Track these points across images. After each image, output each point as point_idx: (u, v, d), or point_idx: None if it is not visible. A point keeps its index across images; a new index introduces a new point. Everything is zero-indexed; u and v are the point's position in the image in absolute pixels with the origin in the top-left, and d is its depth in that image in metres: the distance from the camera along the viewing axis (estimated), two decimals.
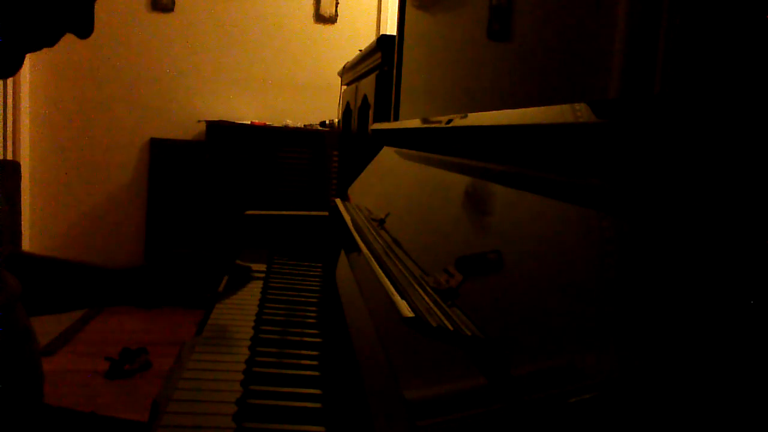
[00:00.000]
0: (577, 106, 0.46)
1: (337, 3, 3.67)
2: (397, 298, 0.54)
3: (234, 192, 3.35)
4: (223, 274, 1.03)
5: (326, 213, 1.34)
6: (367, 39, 2.78)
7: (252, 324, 0.84)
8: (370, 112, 1.84)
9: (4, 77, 0.67)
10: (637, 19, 0.44)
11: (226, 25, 3.60)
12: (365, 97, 1.95)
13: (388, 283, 0.59)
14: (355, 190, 1.27)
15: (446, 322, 0.48)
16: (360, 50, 2.19)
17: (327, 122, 3.49)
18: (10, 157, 3.31)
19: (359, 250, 0.82)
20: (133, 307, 0.95)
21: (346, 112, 2.43)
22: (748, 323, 0.26)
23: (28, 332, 0.77)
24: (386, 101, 1.48)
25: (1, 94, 3.22)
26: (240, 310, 0.91)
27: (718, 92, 0.34)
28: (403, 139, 1.17)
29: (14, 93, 3.30)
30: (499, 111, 0.63)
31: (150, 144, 3.59)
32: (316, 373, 0.69)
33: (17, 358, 0.74)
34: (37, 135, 3.48)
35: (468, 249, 0.60)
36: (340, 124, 2.63)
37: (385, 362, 0.55)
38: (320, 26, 3.69)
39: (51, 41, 0.67)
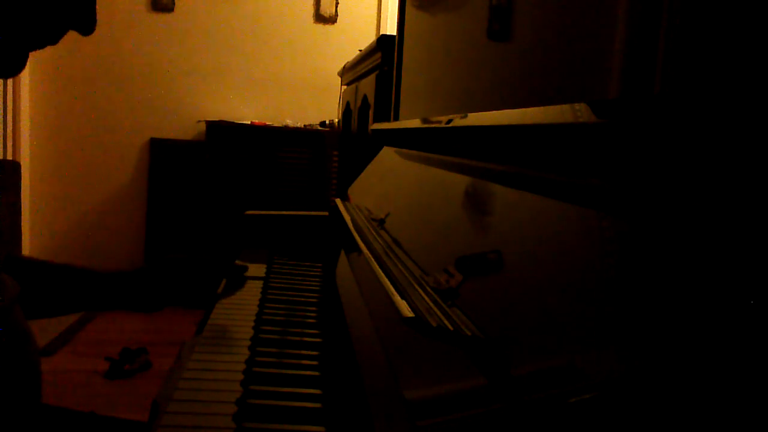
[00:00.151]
0: (577, 106, 0.46)
1: (337, 3, 3.67)
2: (397, 298, 0.54)
3: (234, 192, 3.35)
4: (223, 274, 1.03)
5: (326, 213, 1.34)
6: (367, 39, 2.78)
7: (252, 324, 0.84)
8: (370, 112, 1.84)
9: (9, 76, 0.67)
10: (637, 19, 0.44)
11: (226, 25, 3.60)
12: (365, 97, 1.95)
13: (388, 283, 0.59)
14: (355, 190, 1.27)
15: (446, 322, 0.48)
16: (360, 50, 2.19)
17: (327, 122, 3.49)
18: (10, 157, 3.31)
19: (359, 250, 0.82)
20: (132, 312, 0.95)
21: (346, 112, 2.43)
22: (748, 323, 0.26)
23: (26, 334, 0.77)
24: (386, 101, 1.48)
25: (1, 94, 3.22)
26: (240, 310, 0.91)
27: (718, 92, 0.34)
28: (403, 139, 1.17)
29: (14, 93, 3.30)
30: (499, 111, 0.63)
31: (150, 144, 3.59)
32: (316, 373, 0.69)
33: (15, 359, 0.74)
34: (37, 135, 3.48)
35: (468, 249, 0.60)
36: (340, 124, 2.63)
37: (385, 362, 0.55)
38: (320, 26, 3.69)
39: (54, 38, 0.67)
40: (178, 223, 3.55)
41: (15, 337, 0.74)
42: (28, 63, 0.66)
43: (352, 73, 2.33)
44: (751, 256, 0.28)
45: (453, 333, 0.46)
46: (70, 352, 2.59)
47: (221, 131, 3.39)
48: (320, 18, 3.68)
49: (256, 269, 1.11)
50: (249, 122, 3.50)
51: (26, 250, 3.42)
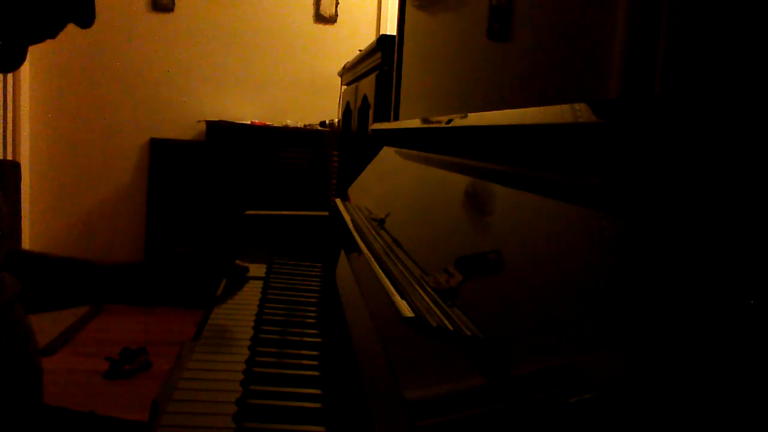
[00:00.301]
0: (577, 106, 0.46)
1: (337, 3, 3.67)
2: (397, 298, 0.54)
3: (234, 192, 3.35)
4: (224, 273, 1.03)
5: (326, 213, 1.34)
6: (367, 39, 2.78)
7: (252, 324, 0.84)
8: (370, 112, 1.84)
9: (8, 71, 0.67)
10: (637, 19, 0.44)
11: (226, 25, 3.60)
12: (365, 97, 1.95)
13: (388, 283, 0.59)
14: (355, 190, 1.27)
15: (446, 322, 0.48)
16: (360, 50, 2.19)
17: (327, 122, 3.49)
18: (10, 157, 3.31)
19: (359, 250, 0.82)
20: (133, 305, 0.94)
21: (346, 112, 2.43)
22: (749, 323, 0.26)
23: (26, 332, 0.77)
24: (386, 101, 1.48)
25: (1, 93, 3.22)
26: (240, 310, 0.91)
27: (718, 92, 0.34)
28: (403, 139, 1.17)
29: (14, 93, 3.30)
30: (499, 111, 0.63)
31: (150, 144, 3.59)
32: (316, 373, 0.69)
33: (16, 358, 0.74)
34: (37, 135, 3.48)
35: (468, 249, 0.60)
36: (340, 124, 2.63)
37: (385, 362, 0.55)
38: (320, 26, 3.69)
39: (53, 32, 0.67)
40: (178, 223, 3.55)
41: (15, 335, 0.74)
42: (28, 62, 0.66)
43: (352, 73, 2.33)
44: (751, 256, 0.28)
45: (453, 333, 0.46)
46: (70, 351, 2.59)
47: (221, 131, 3.39)
48: (320, 18, 3.68)
49: (256, 269, 1.11)
50: (249, 122, 3.51)
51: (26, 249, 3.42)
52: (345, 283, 0.87)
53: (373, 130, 1.50)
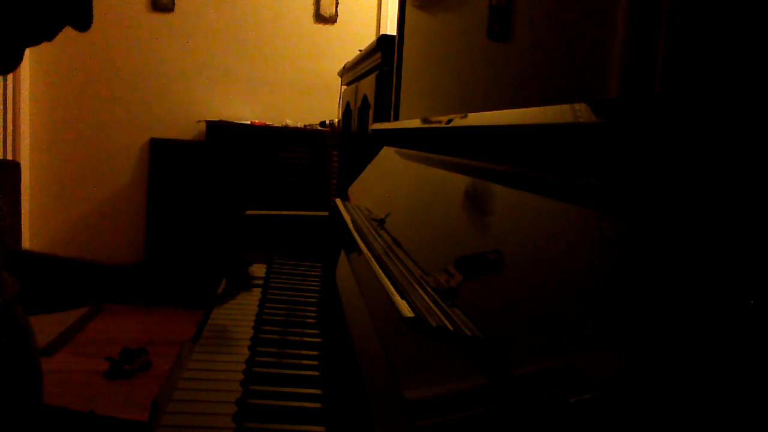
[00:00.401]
0: (577, 106, 0.46)
1: (337, 3, 3.67)
2: (397, 298, 0.54)
3: (234, 192, 3.35)
4: (227, 267, 1.03)
5: (326, 213, 1.34)
6: (367, 39, 2.78)
7: (252, 324, 0.84)
8: (370, 112, 1.84)
9: (5, 72, 0.67)
10: (637, 19, 0.44)
11: (226, 25, 3.60)
12: (365, 97, 1.95)
13: (388, 283, 0.59)
14: (355, 190, 1.27)
15: (446, 322, 0.48)
16: (360, 50, 2.19)
17: (327, 122, 3.49)
18: (10, 157, 3.31)
19: (359, 250, 0.82)
20: (133, 305, 0.94)
21: (346, 112, 2.43)
22: (748, 323, 0.26)
23: (26, 332, 0.77)
24: (386, 101, 1.48)
25: (1, 93, 3.22)
26: (240, 310, 0.91)
27: (718, 92, 0.34)
28: (403, 139, 1.17)
29: (14, 93, 3.30)
30: (499, 111, 0.63)
31: (150, 144, 3.59)
32: (316, 373, 0.69)
33: (16, 358, 0.74)
34: (37, 135, 3.48)
35: (468, 249, 0.60)
36: (340, 124, 2.63)
37: (385, 362, 0.55)
38: (320, 26, 3.69)
39: (50, 35, 0.67)
40: (178, 223, 3.55)
41: (15, 336, 0.74)
42: (28, 63, 0.67)
43: (352, 73, 2.33)
44: (751, 255, 0.28)
45: (453, 333, 0.46)
46: (70, 352, 2.58)
47: (221, 131, 3.39)
48: (320, 18, 3.68)
49: (256, 269, 1.11)
50: (249, 122, 3.51)
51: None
52: (345, 283, 0.87)
53: (373, 130, 1.50)
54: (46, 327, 2.58)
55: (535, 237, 0.49)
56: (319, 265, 1.20)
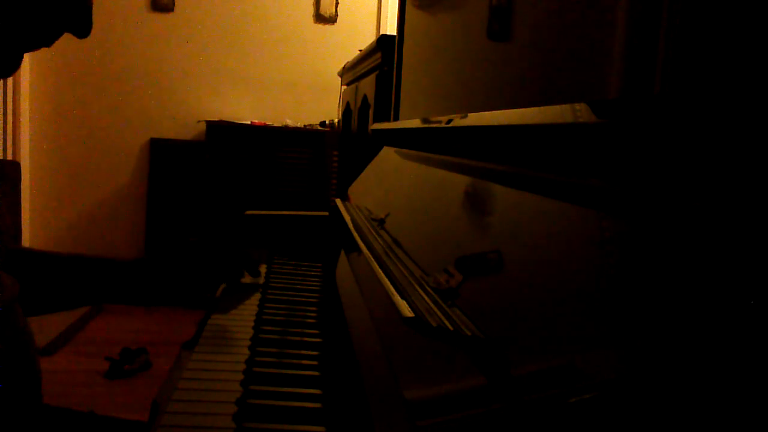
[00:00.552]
0: (577, 106, 0.46)
1: (337, 3, 3.67)
2: (397, 298, 0.54)
3: (234, 192, 3.35)
4: (226, 269, 1.03)
5: (326, 213, 1.34)
6: (367, 39, 2.78)
7: (252, 324, 0.84)
8: (370, 112, 1.84)
9: (3, 77, 0.67)
10: (637, 19, 0.44)
11: (226, 25, 3.60)
12: (365, 97, 1.95)
13: (388, 283, 0.59)
14: (355, 190, 1.27)
15: (446, 322, 0.48)
16: (360, 50, 2.19)
17: (327, 122, 3.49)
18: (10, 157, 3.31)
19: (359, 250, 0.82)
20: (133, 305, 0.94)
21: (346, 112, 2.43)
22: (748, 323, 0.26)
23: (25, 333, 0.77)
24: (386, 101, 1.48)
25: (1, 94, 3.22)
26: (240, 310, 0.91)
27: (718, 92, 0.34)
28: (403, 139, 1.17)
29: (14, 93, 3.30)
30: (499, 111, 0.63)
31: (150, 144, 3.59)
32: (316, 373, 0.69)
33: (15, 359, 0.74)
34: (37, 135, 3.48)
35: (468, 249, 0.60)
36: (340, 124, 2.63)
37: (385, 362, 0.55)
38: (320, 26, 3.69)
39: (49, 41, 0.67)
40: (178, 223, 3.55)
41: (14, 336, 0.74)
42: (28, 63, 0.67)
43: (352, 73, 2.33)
44: (751, 256, 0.28)
45: (453, 333, 0.46)
46: (70, 352, 2.58)
47: (221, 131, 3.39)
48: (320, 18, 3.68)
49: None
50: (249, 122, 3.51)
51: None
52: (345, 283, 0.87)
53: (373, 130, 1.50)
54: (46, 327, 2.58)
55: (535, 237, 0.49)
56: (319, 265, 1.20)
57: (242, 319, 0.87)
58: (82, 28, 0.68)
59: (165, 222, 3.57)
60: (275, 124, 3.52)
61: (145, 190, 3.61)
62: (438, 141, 0.90)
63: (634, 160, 0.40)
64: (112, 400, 2.18)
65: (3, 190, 2.95)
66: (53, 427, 0.82)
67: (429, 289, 0.57)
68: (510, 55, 0.69)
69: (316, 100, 3.66)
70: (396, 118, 1.33)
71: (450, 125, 0.80)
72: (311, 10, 3.67)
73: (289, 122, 3.55)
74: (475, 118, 0.70)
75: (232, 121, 3.48)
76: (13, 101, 3.30)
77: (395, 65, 1.36)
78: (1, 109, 3.23)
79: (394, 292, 0.55)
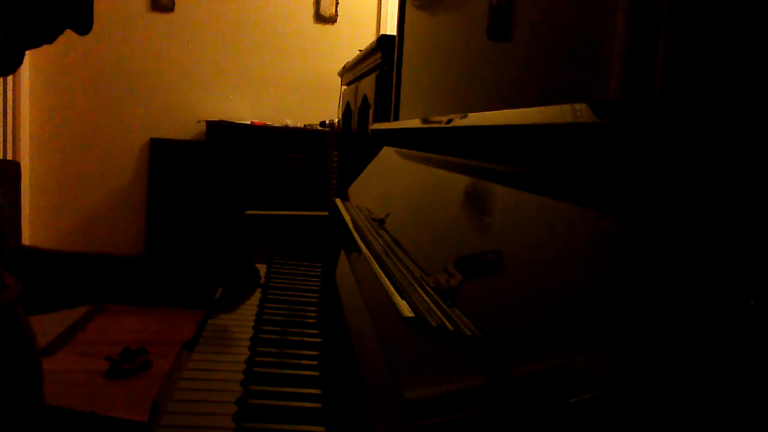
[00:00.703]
0: (577, 106, 0.46)
1: (337, 3, 3.67)
2: (397, 298, 0.54)
3: (234, 192, 3.35)
4: (226, 270, 1.03)
5: (326, 213, 1.34)
6: (367, 39, 2.78)
7: (252, 324, 0.84)
8: (370, 112, 1.84)
9: (4, 74, 0.67)
10: (637, 19, 0.44)
11: (226, 25, 3.60)
12: (365, 97, 1.95)
13: (388, 283, 0.59)
14: (355, 190, 1.27)
15: (446, 322, 0.48)
16: (360, 50, 2.19)
17: (327, 122, 3.49)
18: (10, 157, 3.31)
19: (359, 250, 0.82)
20: (134, 304, 0.94)
21: (346, 112, 2.43)
22: (748, 323, 0.26)
23: (27, 333, 0.77)
24: (386, 101, 1.48)
25: (1, 94, 3.22)
26: (240, 310, 0.91)
27: (718, 92, 0.34)
28: (403, 139, 1.17)
29: (14, 93, 3.30)
30: (499, 111, 0.63)
31: (150, 144, 3.59)
32: (316, 373, 0.69)
33: (17, 358, 0.74)
34: (37, 135, 3.48)
35: (468, 249, 0.60)
36: (340, 124, 2.63)
37: (385, 362, 0.55)
38: (320, 26, 3.69)
39: (50, 38, 0.67)
40: (179, 223, 3.55)
41: (16, 336, 0.74)
42: (28, 63, 0.67)
43: (352, 73, 2.33)
44: (750, 255, 0.28)
45: (453, 333, 0.46)
46: (70, 352, 2.59)
47: (221, 131, 3.39)
48: (320, 18, 3.68)
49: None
50: (249, 122, 3.51)
51: None
52: (345, 283, 0.87)
53: (373, 130, 1.50)
54: (46, 327, 2.58)
55: (535, 237, 0.49)
56: (319, 265, 1.20)
57: (242, 319, 0.87)
58: (83, 24, 0.68)
59: (165, 222, 3.57)
60: (275, 124, 3.52)
61: (145, 190, 3.61)
62: (438, 141, 0.90)
63: (634, 160, 0.40)
64: (112, 400, 2.18)
65: (3, 189, 2.95)
66: (53, 427, 0.82)
67: (429, 289, 0.57)
68: (510, 55, 0.69)
69: (316, 100, 3.66)
70: (396, 118, 1.33)
71: (450, 125, 0.80)
72: (311, 10, 3.67)
73: (289, 122, 3.55)
74: (475, 118, 0.70)
75: (232, 121, 3.48)
76: (13, 101, 3.30)
77: (395, 65, 1.36)
78: (1, 109, 3.23)
79: (394, 292, 0.55)
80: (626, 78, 0.45)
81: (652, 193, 0.38)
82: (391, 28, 3.61)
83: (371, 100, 1.84)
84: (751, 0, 0.33)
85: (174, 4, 3.53)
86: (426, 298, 0.55)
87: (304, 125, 3.54)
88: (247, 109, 3.64)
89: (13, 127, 3.32)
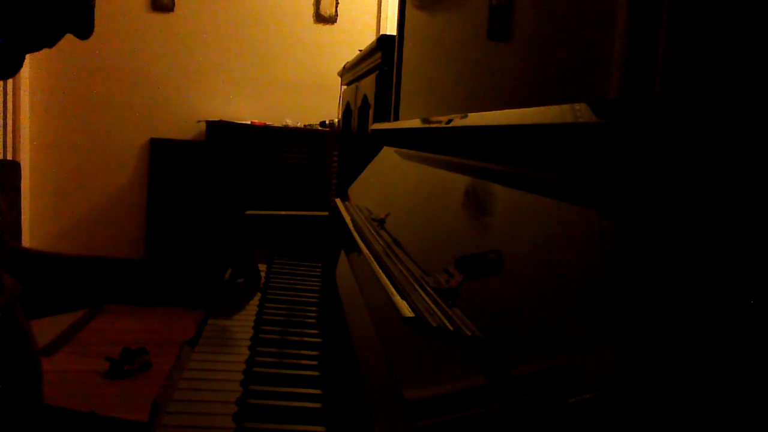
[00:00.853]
0: (577, 106, 0.46)
1: (337, 3, 3.67)
2: (397, 298, 0.54)
3: (234, 192, 3.35)
4: (225, 272, 1.03)
5: (326, 213, 1.34)
6: (367, 39, 2.78)
7: (252, 324, 0.84)
8: (370, 112, 1.84)
9: (5, 78, 0.67)
10: (637, 19, 0.44)
11: (226, 25, 3.60)
12: (365, 97, 1.95)
13: (388, 283, 0.59)
14: (355, 190, 1.27)
15: (446, 322, 0.48)
16: (360, 50, 2.19)
17: (327, 122, 3.49)
18: (10, 157, 3.31)
19: (359, 250, 0.82)
20: (134, 305, 0.94)
21: (346, 112, 2.43)
22: (748, 323, 0.26)
23: (26, 334, 0.77)
24: (386, 101, 1.48)
25: (1, 94, 3.22)
26: (240, 310, 0.91)
27: (718, 92, 0.34)
28: (403, 139, 1.17)
29: (14, 93, 3.30)
30: (499, 111, 0.63)
31: (150, 144, 3.59)
32: (316, 373, 0.69)
33: (16, 359, 0.74)
34: (37, 135, 3.48)
35: (468, 249, 0.60)
36: (340, 124, 2.63)
37: (385, 362, 0.55)
38: (320, 26, 3.69)
39: (51, 42, 0.67)
40: (179, 223, 3.55)
41: (15, 337, 0.74)
42: (28, 63, 0.67)
43: (352, 73, 2.33)
44: (751, 256, 0.28)
45: (453, 333, 0.46)
46: (70, 352, 2.59)
47: (221, 131, 3.39)
48: (320, 18, 3.68)
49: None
50: (249, 122, 3.51)
51: None
52: (345, 283, 0.87)
53: (373, 130, 1.50)
54: (46, 327, 2.58)
55: (535, 237, 0.49)
56: (319, 265, 1.20)
57: (242, 319, 0.87)
58: (84, 29, 0.68)
59: (165, 222, 3.57)
60: (275, 124, 3.52)
61: (145, 191, 3.61)
62: (438, 141, 0.90)
63: (634, 160, 0.40)
64: (112, 400, 2.18)
65: (2, 190, 2.95)
66: (53, 427, 0.82)
67: (429, 289, 0.57)
68: (510, 55, 0.69)
69: (316, 100, 3.66)
70: (396, 118, 1.33)
71: (450, 125, 0.80)
72: (311, 10, 3.67)
73: (289, 122, 3.55)
74: (475, 118, 0.70)
75: (232, 121, 3.48)
76: (13, 101, 3.30)
77: (395, 65, 1.36)
78: (1, 109, 3.23)
79: (394, 292, 0.55)
80: (626, 78, 0.45)
81: (652, 194, 0.38)
82: (391, 28, 3.61)
83: (371, 100, 1.84)
84: (750, 0, 0.33)
85: (174, 4, 3.53)
86: (426, 298, 0.55)
87: (304, 125, 3.54)
88: (247, 109, 3.64)
89: (13, 127, 3.32)
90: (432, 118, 0.91)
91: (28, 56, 0.68)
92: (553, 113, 0.50)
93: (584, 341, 0.36)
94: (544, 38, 0.60)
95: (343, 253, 1.01)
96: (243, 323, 0.85)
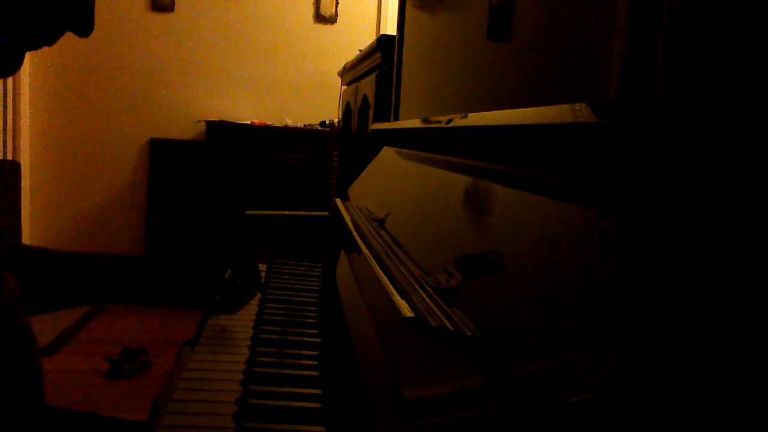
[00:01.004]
0: (577, 106, 0.46)
1: (337, 3, 3.67)
2: (397, 298, 0.54)
3: (234, 192, 3.35)
4: (225, 272, 1.03)
5: (326, 213, 1.34)
6: (367, 39, 2.78)
7: (252, 324, 0.84)
8: (370, 112, 1.84)
9: (4, 76, 0.67)
10: (637, 19, 0.44)
11: (226, 25, 3.60)
12: (365, 97, 1.95)
13: (388, 283, 0.59)
14: (355, 190, 1.27)
15: (446, 322, 0.48)
16: (360, 50, 2.19)
17: (327, 122, 3.49)
18: (10, 157, 3.31)
19: (359, 250, 0.82)
20: (133, 305, 0.94)
21: (346, 112, 2.43)
22: (748, 323, 0.26)
23: (27, 333, 0.77)
24: (386, 101, 1.48)
25: (1, 94, 3.22)
26: (240, 310, 0.91)
27: (718, 92, 0.34)
28: (403, 139, 1.17)
29: (14, 93, 3.30)
30: (499, 111, 0.63)
31: (150, 144, 3.59)
32: (316, 373, 0.69)
33: (17, 359, 0.74)
34: (37, 135, 3.48)
35: (468, 249, 0.60)
36: (340, 124, 2.63)
37: (385, 362, 0.55)
38: (320, 26, 3.69)
39: (51, 40, 0.67)
40: (179, 223, 3.55)
41: (16, 336, 0.74)
42: (28, 63, 0.67)
43: (352, 73, 2.33)
44: (751, 256, 0.28)
45: (453, 333, 0.46)
46: (70, 351, 2.58)
47: (221, 131, 3.39)
48: (320, 18, 3.68)
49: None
50: (249, 122, 3.51)
51: None
52: (345, 283, 0.87)
53: (373, 130, 1.50)
54: (46, 327, 2.58)
55: (535, 237, 0.49)
56: (319, 265, 1.20)
57: (242, 318, 0.87)
58: (84, 27, 0.68)
59: (165, 222, 3.57)
60: (275, 124, 3.52)
61: (145, 191, 3.61)
62: (438, 141, 0.90)
63: (634, 160, 0.40)
64: (112, 400, 2.18)
65: (3, 189, 2.95)
66: (53, 427, 0.82)
67: (429, 289, 0.57)
68: (510, 55, 0.69)
69: (316, 100, 3.66)
70: (396, 118, 1.33)
71: (450, 125, 0.80)
72: (311, 10, 3.67)
73: (289, 122, 3.55)
74: (475, 118, 0.70)
75: (232, 121, 3.48)
76: (13, 101, 3.30)
77: (395, 65, 1.36)
78: (1, 109, 3.23)
79: (394, 292, 0.55)
80: (626, 78, 0.45)
81: (652, 194, 0.38)
82: (391, 28, 3.61)
83: (371, 100, 1.84)
84: (750, 0, 0.33)
85: (174, 4, 3.53)
86: (426, 298, 0.55)
87: (304, 125, 3.54)
88: (247, 109, 3.64)
89: (13, 127, 3.32)
90: (432, 118, 0.91)
91: (28, 55, 0.68)
92: (553, 113, 0.50)
93: (584, 341, 0.36)
94: (544, 38, 0.60)
95: (343, 253, 1.01)
96: (243, 323, 0.85)
